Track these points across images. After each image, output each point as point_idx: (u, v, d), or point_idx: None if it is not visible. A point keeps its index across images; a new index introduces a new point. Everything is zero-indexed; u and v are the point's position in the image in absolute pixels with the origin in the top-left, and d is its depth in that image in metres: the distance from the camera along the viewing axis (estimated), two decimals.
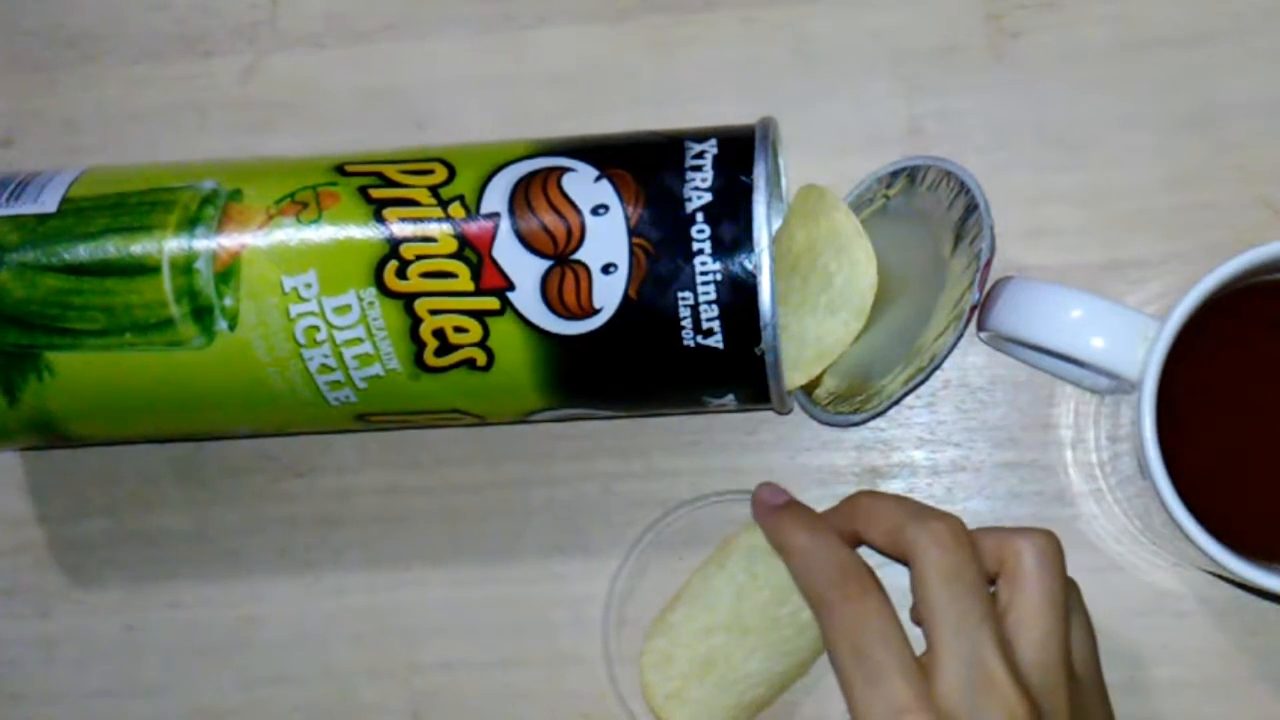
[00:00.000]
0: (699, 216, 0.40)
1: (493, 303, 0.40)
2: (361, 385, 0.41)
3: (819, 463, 0.47)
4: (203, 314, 0.40)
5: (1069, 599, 0.38)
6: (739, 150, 0.41)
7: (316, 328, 0.40)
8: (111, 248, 0.40)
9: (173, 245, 0.40)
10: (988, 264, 0.41)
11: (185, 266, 0.40)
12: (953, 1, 0.48)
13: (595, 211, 0.40)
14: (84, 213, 0.41)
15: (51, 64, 0.51)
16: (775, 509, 0.42)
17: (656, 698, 0.44)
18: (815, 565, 0.39)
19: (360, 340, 0.40)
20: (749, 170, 0.40)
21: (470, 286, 0.40)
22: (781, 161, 0.45)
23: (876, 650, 0.37)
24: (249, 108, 0.50)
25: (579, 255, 0.40)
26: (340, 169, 0.42)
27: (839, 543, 0.40)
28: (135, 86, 0.50)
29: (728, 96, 0.48)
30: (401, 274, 0.40)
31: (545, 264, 0.40)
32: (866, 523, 0.40)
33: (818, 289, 0.43)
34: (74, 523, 0.49)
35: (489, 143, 0.42)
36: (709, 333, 0.40)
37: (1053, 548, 0.38)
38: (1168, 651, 0.45)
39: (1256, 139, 0.46)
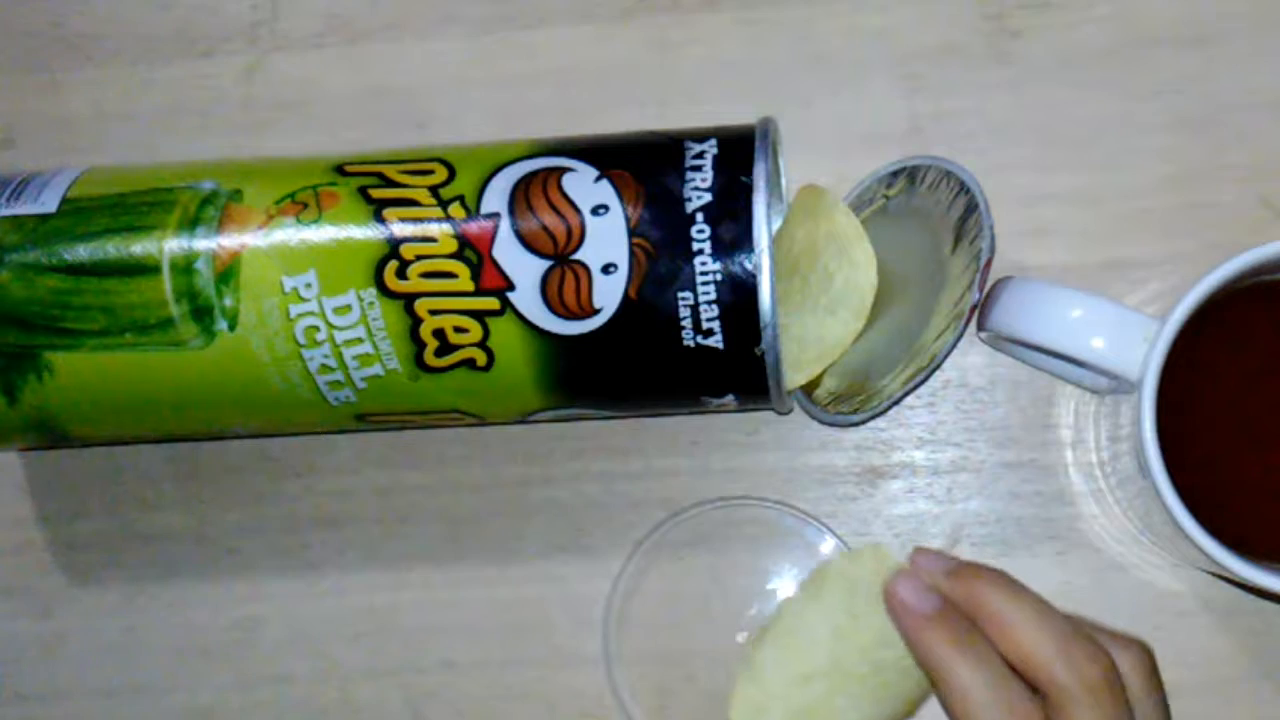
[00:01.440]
0: (699, 216, 0.39)
1: (493, 303, 0.40)
2: (361, 385, 0.41)
3: (819, 463, 0.47)
4: (203, 314, 0.40)
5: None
6: (739, 150, 0.40)
7: (316, 328, 0.40)
8: (111, 248, 0.40)
9: (173, 245, 0.40)
10: (988, 264, 0.41)
11: (185, 266, 0.40)
12: (953, 1, 0.48)
13: (595, 211, 0.40)
14: (84, 213, 0.41)
15: (51, 64, 0.51)
16: (924, 620, 0.36)
17: None
18: (983, 712, 0.35)
19: (360, 340, 0.40)
20: (749, 170, 0.40)
21: (470, 286, 0.40)
22: (781, 161, 0.45)
23: None
24: (249, 108, 0.50)
25: (579, 255, 0.40)
26: (340, 169, 0.42)
27: (1010, 679, 0.35)
28: (135, 86, 0.50)
29: (728, 96, 0.48)
30: (401, 274, 0.40)
31: (545, 264, 0.40)
32: (998, 634, 0.36)
33: (818, 289, 0.43)
34: (74, 523, 0.49)
35: (489, 143, 0.42)
36: (709, 333, 0.40)
37: (1152, 664, 0.38)
38: (1168, 651, 0.45)
39: (1256, 139, 0.46)
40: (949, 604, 0.36)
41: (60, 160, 0.44)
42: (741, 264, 0.39)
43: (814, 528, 0.46)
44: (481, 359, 0.41)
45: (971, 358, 0.47)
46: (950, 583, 0.37)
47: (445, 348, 0.40)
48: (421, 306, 0.40)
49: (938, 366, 0.41)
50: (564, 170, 0.41)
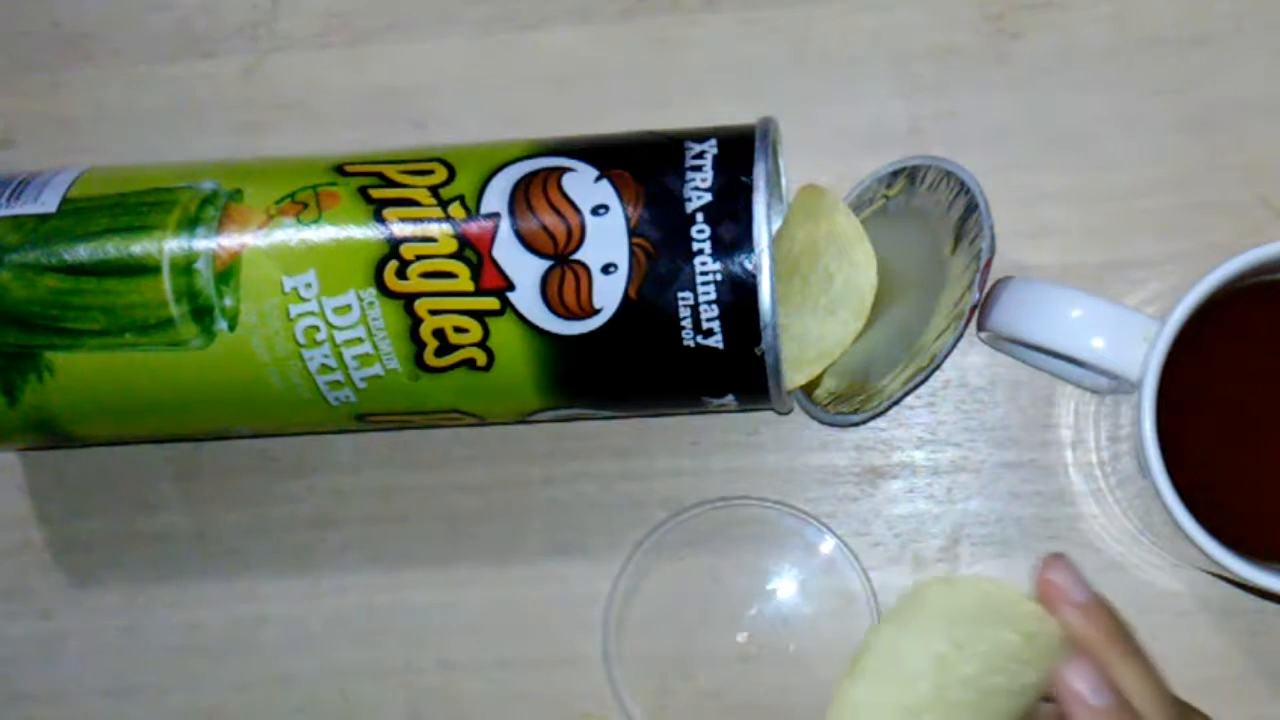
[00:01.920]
0: (699, 216, 0.39)
1: (493, 303, 0.40)
2: (361, 385, 0.41)
3: (819, 463, 0.47)
4: (203, 314, 0.40)
5: None
6: (739, 150, 0.40)
7: (316, 328, 0.40)
8: (111, 248, 0.40)
9: (173, 245, 0.40)
10: (988, 264, 0.41)
11: (185, 266, 0.40)
12: (953, 1, 0.48)
13: (595, 211, 0.40)
14: (84, 213, 0.41)
15: (51, 64, 0.51)
16: (1097, 714, 0.36)
17: None
18: None
19: (360, 340, 0.40)
20: (749, 170, 0.40)
21: (470, 286, 0.40)
22: (781, 161, 0.45)
23: None
24: (249, 108, 0.50)
25: (579, 255, 0.40)
26: (340, 169, 0.42)
27: None
28: (135, 86, 0.50)
29: (728, 96, 0.48)
30: (401, 274, 0.40)
31: (545, 264, 0.40)
32: (1136, 696, 0.36)
33: (818, 289, 0.43)
34: (74, 523, 0.49)
35: (489, 143, 0.42)
36: (709, 333, 0.40)
37: None
38: (1167, 651, 0.45)
39: (1256, 139, 0.46)
40: (1120, 698, 0.36)
41: (60, 160, 0.44)
42: (741, 264, 0.39)
43: (814, 528, 0.46)
44: (481, 359, 0.41)
45: (971, 358, 0.47)
46: (1082, 624, 0.36)
47: (445, 348, 0.40)
48: (421, 306, 0.40)
49: (938, 366, 0.41)
50: (564, 170, 0.41)
